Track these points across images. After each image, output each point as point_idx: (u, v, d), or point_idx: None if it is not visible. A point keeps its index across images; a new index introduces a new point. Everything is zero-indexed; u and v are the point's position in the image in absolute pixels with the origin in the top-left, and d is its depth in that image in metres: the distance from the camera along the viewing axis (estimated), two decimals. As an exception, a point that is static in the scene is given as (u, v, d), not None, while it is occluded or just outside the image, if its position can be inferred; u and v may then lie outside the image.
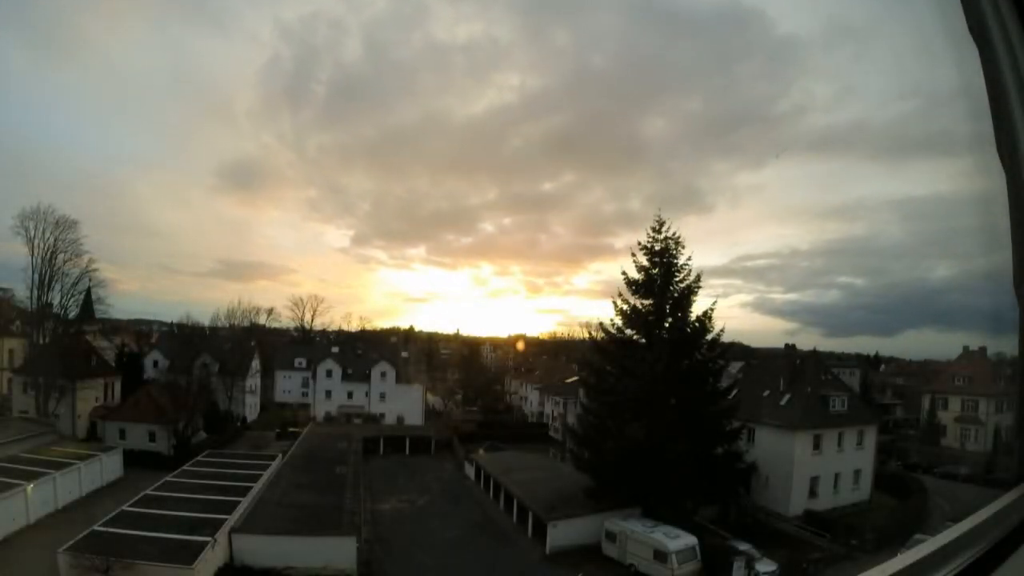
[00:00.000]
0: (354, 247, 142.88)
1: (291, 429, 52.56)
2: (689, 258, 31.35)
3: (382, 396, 62.46)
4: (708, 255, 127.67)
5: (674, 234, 31.42)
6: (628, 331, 32.24)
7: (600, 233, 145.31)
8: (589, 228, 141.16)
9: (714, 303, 31.50)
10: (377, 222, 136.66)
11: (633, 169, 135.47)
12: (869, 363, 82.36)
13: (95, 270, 48.75)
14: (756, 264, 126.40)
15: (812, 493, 35.23)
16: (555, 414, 61.11)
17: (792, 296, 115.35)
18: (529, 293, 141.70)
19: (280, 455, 40.23)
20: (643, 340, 31.64)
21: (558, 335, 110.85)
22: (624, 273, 32.13)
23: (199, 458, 37.84)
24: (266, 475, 34.54)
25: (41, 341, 47.35)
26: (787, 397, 37.14)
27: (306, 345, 74.79)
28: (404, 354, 68.86)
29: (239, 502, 28.36)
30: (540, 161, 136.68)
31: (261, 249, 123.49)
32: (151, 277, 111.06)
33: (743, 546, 27.16)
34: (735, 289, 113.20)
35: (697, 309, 31.41)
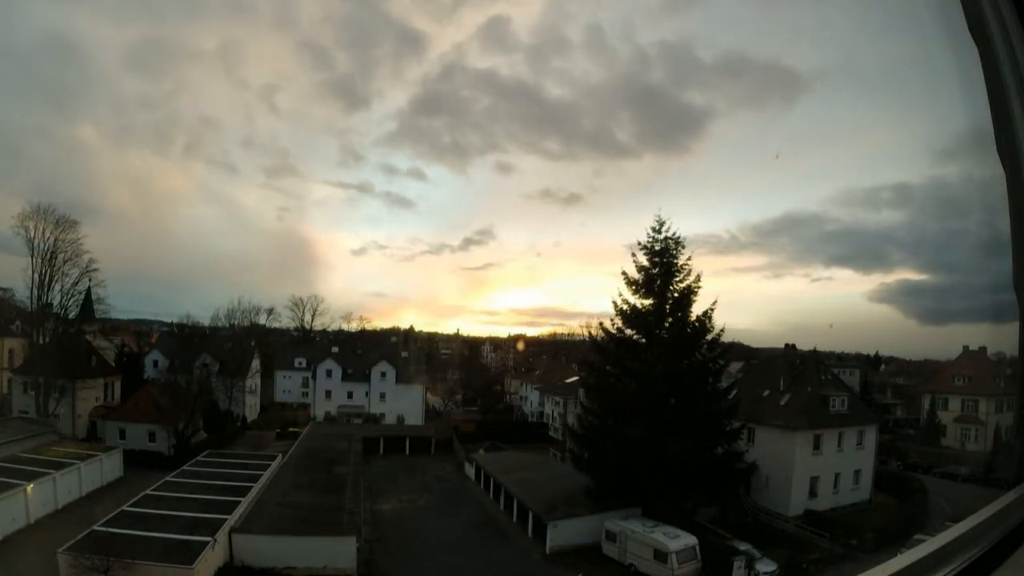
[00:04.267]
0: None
1: (291, 429, 52.55)
2: (689, 258, 31.61)
3: (382, 396, 62.37)
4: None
5: (674, 234, 31.65)
6: (628, 331, 32.35)
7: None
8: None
9: (714, 303, 31.55)
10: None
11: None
12: (869, 363, 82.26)
13: (95, 270, 48.80)
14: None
15: (812, 493, 35.18)
16: (555, 414, 61.08)
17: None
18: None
19: (280, 455, 40.18)
20: (643, 340, 31.70)
21: (558, 335, 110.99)
22: (624, 273, 32.41)
23: (199, 458, 37.78)
24: (266, 475, 34.51)
25: (41, 341, 47.27)
26: (787, 397, 37.12)
27: (306, 345, 74.67)
28: (404, 354, 68.70)
29: (239, 502, 28.33)
30: None
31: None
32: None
33: (743, 546, 27.17)
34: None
35: (697, 309, 31.51)
